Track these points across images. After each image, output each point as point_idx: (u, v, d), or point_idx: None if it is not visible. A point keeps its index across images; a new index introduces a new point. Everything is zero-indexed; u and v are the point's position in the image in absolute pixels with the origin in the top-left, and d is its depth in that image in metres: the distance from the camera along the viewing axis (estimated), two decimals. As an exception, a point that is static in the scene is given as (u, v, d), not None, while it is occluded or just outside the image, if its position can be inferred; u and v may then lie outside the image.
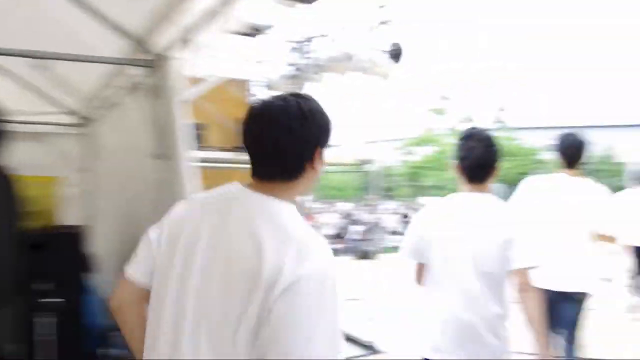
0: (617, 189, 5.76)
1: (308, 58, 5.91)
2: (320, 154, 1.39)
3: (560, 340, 3.71)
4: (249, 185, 1.38)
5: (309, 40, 5.97)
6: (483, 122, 43.94)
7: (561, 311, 3.57)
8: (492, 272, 2.43)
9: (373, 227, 25.71)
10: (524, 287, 2.44)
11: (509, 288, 2.49)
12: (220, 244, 1.28)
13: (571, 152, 3.74)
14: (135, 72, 2.98)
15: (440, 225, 2.57)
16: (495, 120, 43.79)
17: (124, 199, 3.74)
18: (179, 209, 1.46)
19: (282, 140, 1.32)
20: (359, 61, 5.47)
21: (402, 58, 5.31)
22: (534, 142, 52.69)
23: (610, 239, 3.73)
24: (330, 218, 23.53)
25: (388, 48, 5.15)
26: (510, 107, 43.82)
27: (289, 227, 1.28)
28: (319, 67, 5.84)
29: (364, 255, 12.48)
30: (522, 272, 2.43)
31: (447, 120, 44.07)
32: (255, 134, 1.37)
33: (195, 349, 1.23)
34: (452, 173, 2.67)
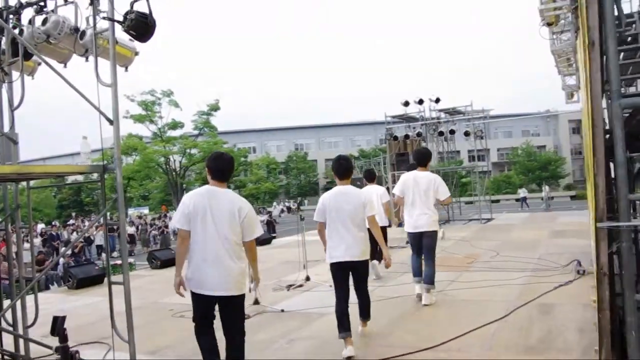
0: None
1: (15, 33, 4.00)
2: (233, 169, 4.44)
3: (425, 260, 6.84)
4: (213, 184, 4.14)
5: (15, 11, 4.05)
6: (192, 126, 43.28)
7: (424, 242, 6.81)
8: (359, 217, 5.24)
9: (84, 247, 22.93)
10: (373, 223, 5.36)
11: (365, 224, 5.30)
12: (220, 206, 4.00)
13: (420, 158, 7.05)
14: None
15: (332, 200, 5.29)
16: (203, 125, 43.33)
17: None
18: (193, 196, 4.10)
19: (229, 165, 4.26)
20: (91, 40, 3.91)
21: (151, 36, 3.93)
22: (243, 145, 54.59)
23: (445, 202, 7.31)
24: (30, 242, 20.02)
25: (131, 21, 3.72)
26: (220, 112, 43.59)
27: (237, 197, 4.24)
28: (32, 46, 4.03)
29: (80, 283, 10.18)
30: (372, 217, 5.33)
31: (152, 127, 41.95)
32: (220, 165, 4.18)
33: (222, 245, 3.98)
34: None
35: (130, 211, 47.08)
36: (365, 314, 5.52)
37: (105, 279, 10.53)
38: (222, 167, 4.15)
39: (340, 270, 5.22)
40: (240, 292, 4.04)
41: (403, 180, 7.05)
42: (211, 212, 3.97)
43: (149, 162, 40.77)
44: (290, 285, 8.47)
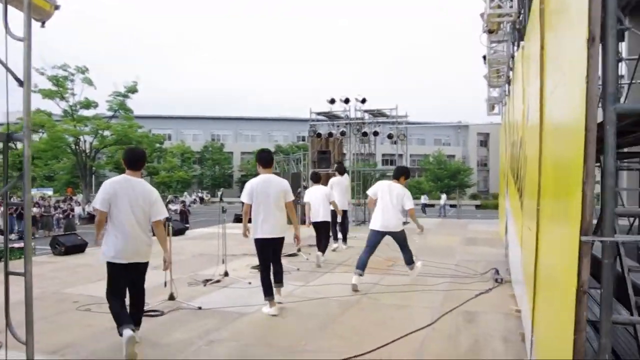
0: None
1: None
2: (145, 162, 5.41)
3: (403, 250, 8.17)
4: (128, 174, 5.09)
5: None
6: (106, 107, 40.90)
7: (397, 239, 8.01)
8: (281, 202, 6.34)
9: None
10: (291, 208, 6.49)
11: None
12: (134, 192, 4.96)
13: (396, 173, 8.25)
14: None
15: (259, 186, 6.28)
16: (118, 107, 41.10)
17: None
18: (111, 183, 5.00)
19: (142, 157, 5.29)
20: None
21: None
22: (159, 131, 52.47)
23: (411, 213, 8.05)
24: None
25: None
26: (136, 96, 41.43)
27: (148, 185, 5.20)
28: None
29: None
30: (290, 203, 6.45)
31: (62, 104, 39.30)
32: (133, 156, 5.19)
33: (135, 223, 4.95)
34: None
35: (33, 192, 44.08)
36: (279, 279, 6.53)
37: (-1, 264, 9.68)
38: (136, 159, 5.20)
39: (265, 246, 6.34)
40: (147, 260, 5.16)
41: (379, 185, 8.20)
42: (128, 197, 4.95)
43: (57, 141, 38.11)
44: (207, 280, 7.98)
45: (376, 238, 7.91)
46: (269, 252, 6.38)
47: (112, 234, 4.94)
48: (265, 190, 6.28)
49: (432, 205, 40.74)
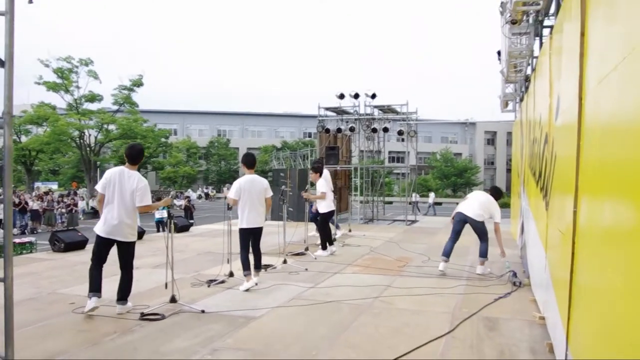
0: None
1: None
2: (142, 156, 6.43)
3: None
4: (127, 167, 6.13)
5: None
6: (111, 100, 40.60)
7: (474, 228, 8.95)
8: (262, 197, 7.60)
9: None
10: (269, 203, 7.76)
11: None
12: (124, 181, 5.99)
13: (494, 191, 9.33)
14: None
15: (246, 184, 7.48)
16: (123, 101, 40.82)
17: None
18: (110, 172, 6.11)
19: (141, 153, 6.34)
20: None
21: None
22: (165, 126, 52.11)
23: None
24: None
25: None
26: (142, 90, 41.16)
27: (139, 176, 6.10)
28: None
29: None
30: (269, 198, 7.74)
31: (67, 97, 39.06)
32: (132, 153, 6.23)
33: (122, 208, 5.96)
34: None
35: (38, 185, 43.88)
36: (259, 266, 7.63)
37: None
38: (134, 154, 6.22)
39: (247, 234, 7.50)
40: (130, 240, 6.08)
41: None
42: (120, 185, 5.98)
43: (61, 135, 37.83)
44: (212, 281, 7.63)
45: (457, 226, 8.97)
46: (250, 239, 7.50)
47: (105, 213, 5.98)
48: (251, 188, 7.44)
49: (440, 204, 40.18)
